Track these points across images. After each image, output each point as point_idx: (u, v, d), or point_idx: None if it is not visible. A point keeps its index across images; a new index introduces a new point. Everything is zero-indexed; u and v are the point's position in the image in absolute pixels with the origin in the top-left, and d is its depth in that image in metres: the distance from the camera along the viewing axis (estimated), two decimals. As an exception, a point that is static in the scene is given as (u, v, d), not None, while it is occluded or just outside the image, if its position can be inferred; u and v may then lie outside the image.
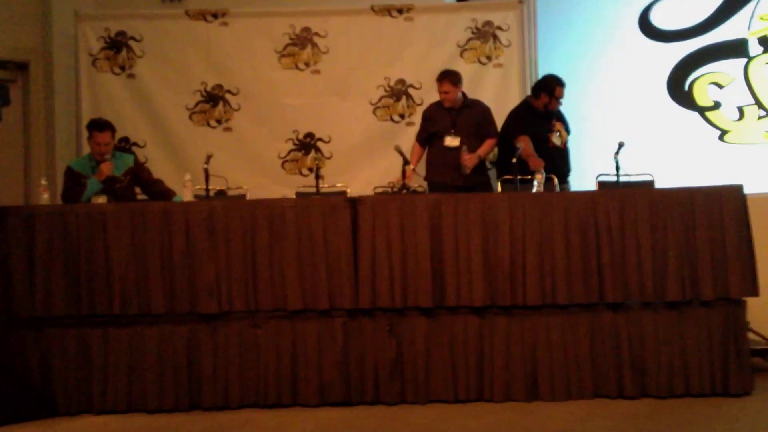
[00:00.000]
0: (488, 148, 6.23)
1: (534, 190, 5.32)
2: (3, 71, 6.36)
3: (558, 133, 6.16)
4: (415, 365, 4.93)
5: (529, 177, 5.48)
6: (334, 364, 4.92)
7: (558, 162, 6.08)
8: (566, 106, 6.36)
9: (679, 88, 6.83)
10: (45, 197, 5.27)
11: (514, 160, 5.49)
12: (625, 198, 4.99)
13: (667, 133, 6.76)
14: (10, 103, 5.05)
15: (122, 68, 6.81)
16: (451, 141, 6.15)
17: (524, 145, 5.82)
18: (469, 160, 5.92)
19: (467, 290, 4.93)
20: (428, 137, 6.32)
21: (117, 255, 4.92)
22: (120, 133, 6.23)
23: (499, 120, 6.41)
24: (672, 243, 4.92)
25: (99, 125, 5.60)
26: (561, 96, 6.19)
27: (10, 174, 6.45)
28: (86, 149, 5.93)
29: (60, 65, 6.70)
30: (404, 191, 5.46)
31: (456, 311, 4.97)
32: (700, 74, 6.81)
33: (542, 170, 5.48)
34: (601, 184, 5.71)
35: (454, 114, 6.21)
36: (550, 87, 6.18)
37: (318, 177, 5.81)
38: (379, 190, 6.34)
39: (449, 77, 6.16)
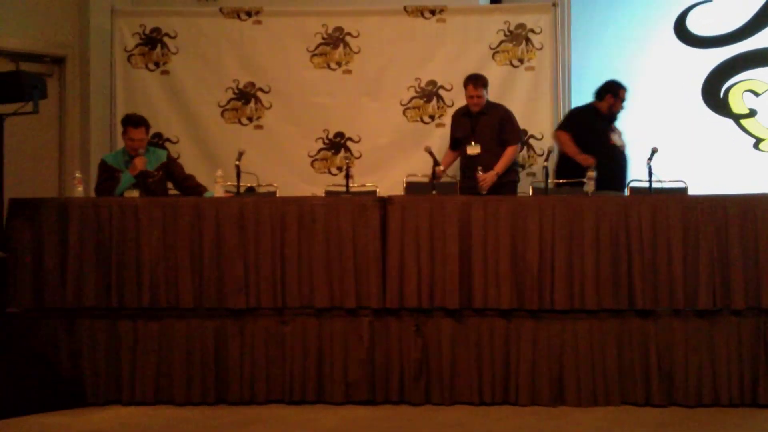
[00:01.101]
0: (508, 160, 6.09)
1: (586, 188, 5.28)
2: (40, 65, 6.45)
3: (618, 134, 6.15)
4: (440, 366, 4.92)
5: (575, 179, 5.47)
6: (359, 363, 4.92)
7: (617, 163, 6.03)
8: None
9: (714, 95, 6.78)
10: (79, 190, 5.32)
11: (547, 163, 5.45)
12: (658, 204, 4.95)
13: (701, 139, 6.72)
14: (47, 96, 5.11)
15: (156, 64, 6.88)
16: (472, 149, 6.12)
17: (563, 142, 5.80)
18: (484, 181, 5.76)
19: (495, 293, 4.91)
20: (455, 143, 6.32)
21: (148, 249, 4.96)
22: (153, 129, 6.29)
23: (529, 123, 6.40)
24: (704, 251, 4.87)
25: (134, 121, 5.65)
26: (624, 98, 6.19)
27: (45, 166, 6.55)
28: (120, 143, 5.99)
29: (96, 60, 6.78)
30: (434, 192, 5.44)
31: (483, 313, 4.95)
32: (735, 81, 6.75)
33: (593, 167, 5.45)
34: (633, 189, 5.67)
35: (473, 120, 6.17)
36: (614, 89, 6.20)
37: (348, 176, 5.83)
38: (412, 179, 6.29)
39: (475, 81, 6.12)
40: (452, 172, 6.26)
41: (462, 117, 6.25)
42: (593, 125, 6.17)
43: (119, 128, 5.91)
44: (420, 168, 6.24)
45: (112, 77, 6.83)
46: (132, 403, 4.90)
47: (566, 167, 6.13)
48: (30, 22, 6.44)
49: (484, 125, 6.13)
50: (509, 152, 6.10)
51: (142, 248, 4.96)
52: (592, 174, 5.34)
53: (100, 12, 6.83)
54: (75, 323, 4.98)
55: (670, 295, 4.87)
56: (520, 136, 6.28)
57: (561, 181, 5.69)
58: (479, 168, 5.79)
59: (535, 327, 4.94)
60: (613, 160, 5.94)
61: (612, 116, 6.25)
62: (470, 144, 6.13)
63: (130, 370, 4.94)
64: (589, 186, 5.32)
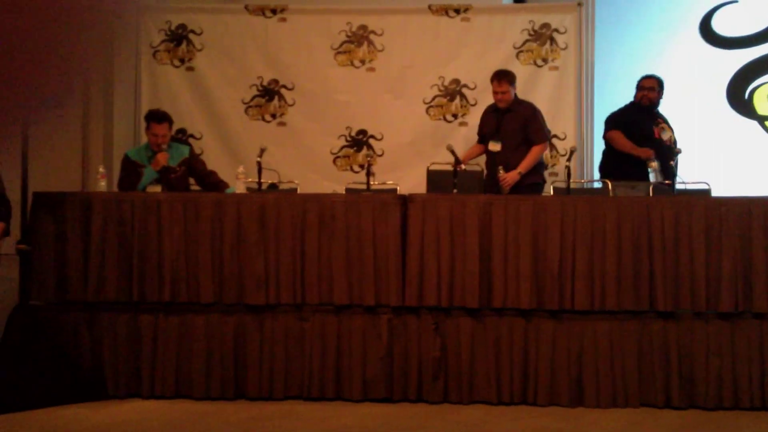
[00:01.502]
0: (532, 160, 5.97)
1: (651, 178, 5.25)
2: (66, 60, 6.50)
3: (664, 129, 6.10)
4: (459, 365, 4.92)
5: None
6: (378, 361, 4.93)
7: (665, 158, 5.99)
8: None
9: (739, 97, 6.72)
10: (102, 184, 5.37)
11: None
12: (680, 205, 4.91)
13: (725, 141, 6.65)
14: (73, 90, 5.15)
15: (182, 61, 6.92)
16: (494, 146, 6.08)
17: (617, 142, 5.77)
18: (505, 180, 5.70)
19: (514, 292, 4.90)
20: (482, 140, 6.30)
21: (169, 244, 4.99)
22: (177, 125, 6.33)
23: (552, 123, 6.36)
24: (727, 253, 4.82)
25: (157, 117, 5.68)
26: (646, 86, 6.15)
27: (68, 161, 6.60)
28: (144, 139, 6.03)
29: (120, 56, 6.82)
30: (455, 181, 5.42)
31: (502, 313, 4.94)
32: (761, 83, 6.68)
33: (654, 158, 5.43)
34: (656, 190, 5.64)
35: (499, 117, 6.13)
36: (639, 81, 6.18)
37: (369, 174, 5.83)
38: (435, 167, 6.28)
39: (499, 77, 6.07)
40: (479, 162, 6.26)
41: (490, 113, 6.20)
42: (635, 121, 6.12)
43: (143, 124, 5.95)
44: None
45: (137, 73, 6.88)
46: (152, 396, 4.94)
47: (616, 167, 6.07)
48: (57, 17, 6.51)
49: (509, 122, 6.07)
50: (534, 152, 5.99)
51: (163, 243, 4.99)
52: (654, 165, 5.31)
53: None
54: (96, 317, 5.02)
55: (692, 297, 4.83)
56: (546, 136, 6.20)
57: (612, 181, 5.66)
58: (500, 167, 5.74)
59: (555, 327, 4.92)
60: (660, 155, 5.88)
61: (650, 110, 6.18)
62: (493, 140, 6.10)
63: (150, 364, 4.98)
64: (655, 176, 5.28)
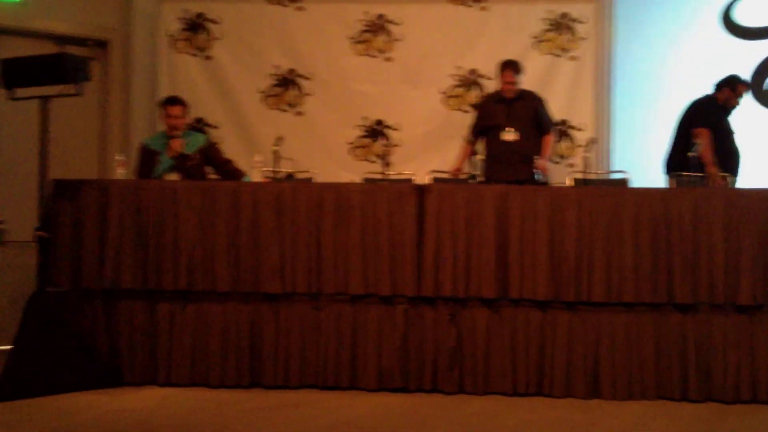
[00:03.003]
0: (549, 148, 6.09)
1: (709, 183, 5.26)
2: (83, 49, 6.54)
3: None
4: (474, 356, 4.90)
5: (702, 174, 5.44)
6: (393, 350, 4.92)
7: (737, 152, 5.92)
8: (642, 101, 6.23)
9: (760, 87, 6.64)
10: (120, 172, 5.38)
11: (691, 153, 5.39)
12: (700, 197, 4.86)
13: (746, 132, 6.57)
14: (91, 79, 5.17)
15: (200, 49, 6.94)
16: (508, 135, 6.03)
17: (705, 141, 5.69)
18: (543, 167, 5.76)
19: (531, 283, 4.87)
20: (482, 131, 6.22)
21: (185, 232, 5.00)
22: (195, 114, 6.36)
23: (571, 113, 6.33)
24: (746, 245, 4.77)
25: (171, 99, 5.75)
26: (741, 94, 6.10)
27: (86, 148, 6.64)
28: (161, 127, 6.05)
29: (139, 44, 6.86)
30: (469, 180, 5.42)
31: (518, 304, 4.92)
32: (784, 74, 6.60)
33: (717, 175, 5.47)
34: (675, 181, 5.59)
35: (508, 106, 6.09)
36: (733, 83, 6.11)
37: (386, 164, 5.82)
38: (435, 176, 6.28)
39: (516, 67, 6.04)
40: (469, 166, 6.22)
41: (495, 103, 6.15)
42: (721, 119, 6.06)
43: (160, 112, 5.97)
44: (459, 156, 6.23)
45: (155, 62, 6.90)
46: (167, 384, 4.96)
47: (683, 159, 6.00)
48: (75, 6, 6.53)
49: (520, 111, 6.05)
50: (549, 140, 6.05)
51: (180, 231, 5.00)
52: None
53: (145, -4, 6.91)
54: (113, 304, 5.04)
55: (711, 289, 4.79)
56: (552, 127, 6.22)
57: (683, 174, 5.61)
58: (536, 157, 5.77)
59: (571, 319, 4.89)
60: (735, 151, 5.86)
61: (727, 109, 6.12)
62: (504, 130, 6.05)
63: (166, 352, 4.99)
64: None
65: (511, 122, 6.03)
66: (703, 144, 5.60)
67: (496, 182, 5.94)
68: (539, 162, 5.69)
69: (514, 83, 6.02)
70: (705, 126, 5.86)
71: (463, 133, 5.88)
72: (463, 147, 6.27)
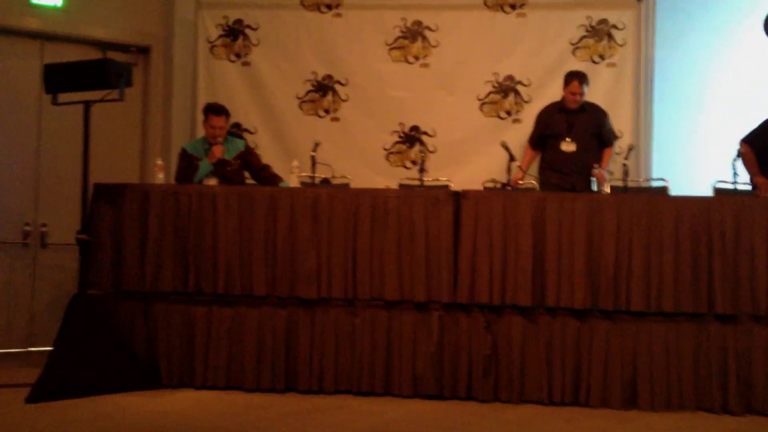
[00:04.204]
0: (609, 160, 6.14)
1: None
2: (126, 54, 6.62)
3: None
4: (510, 364, 4.88)
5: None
6: (428, 357, 4.91)
7: None
8: (684, 109, 6.15)
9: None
10: (160, 177, 5.44)
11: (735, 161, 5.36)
12: (742, 206, 4.79)
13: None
14: (132, 84, 5.24)
15: (238, 56, 6.99)
16: (567, 146, 6.03)
17: (745, 153, 5.59)
18: (601, 176, 5.73)
19: (568, 292, 4.83)
20: (541, 140, 6.23)
21: (224, 236, 5.04)
22: (233, 119, 6.40)
23: (611, 120, 6.27)
24: (789, 255, 4.70)
25: (215, 109, 5.78)
26: None
27: (127, 152, 6.72)
28: (201, 132, 6.12)
29: (179, 50, 6.92)
30: (507, 187, 5.40)
31: (555, 312, 4.89)
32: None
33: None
34: (717, 190, 5.51)
35: (570, 117, 6.08)
36: None
37: (422, 170, 5.80)
38: (488, 184, 6.28)
39: (583, 78, 6.05)
40: (531, 172, 6.20)
41: (557, 113, 6.16)
42: None
43: (200, 117, 6.03)
44: (495, 163, 6.21)
45: (195, 67, 6.96)
46: (204, 386, 5.00)
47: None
48: (117, 12, 6.62)
49: (583, 123, 6.07)
50: (609, 152, 6.16)
51: (218, 235, 5.05)
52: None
53: (184, 3, 6.97)
54: (152, 307, 5.10)
55: (752, 300, 4.72)
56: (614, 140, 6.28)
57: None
58: (596, 165, 5.77)
59: (609, 328, 4.84)
60: None
61: None
62: (564, 140, 6.05)
63: (203, 355, 5.04)
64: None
65: (571, 133, 6.03)
66: (745, 160, 5.50)
67: (550, 189, 5.93)
68: (597, 171, 5.65)
69: (580, 94, 6.03)
70: (747, 141, 5.73)
71: (499, 139, 5.84)
72: (527, 153, 6.28)
